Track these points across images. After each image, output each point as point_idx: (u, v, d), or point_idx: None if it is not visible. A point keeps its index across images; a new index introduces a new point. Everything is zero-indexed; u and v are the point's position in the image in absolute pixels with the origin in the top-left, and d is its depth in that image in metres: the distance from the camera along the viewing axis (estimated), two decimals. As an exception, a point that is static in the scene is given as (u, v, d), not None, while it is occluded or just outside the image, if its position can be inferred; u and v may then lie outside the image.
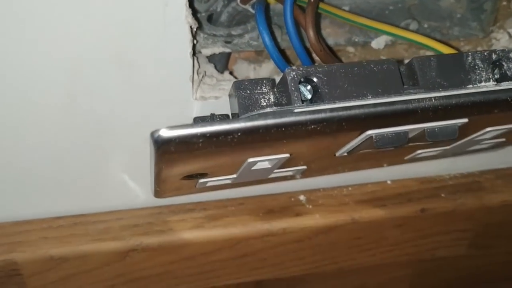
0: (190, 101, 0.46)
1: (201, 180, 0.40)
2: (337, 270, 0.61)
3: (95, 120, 0.45)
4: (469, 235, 0.60)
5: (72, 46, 0.40)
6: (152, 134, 0.30)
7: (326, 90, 0.34)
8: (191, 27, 0.42)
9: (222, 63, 0.53)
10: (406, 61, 0.38)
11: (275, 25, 0.52)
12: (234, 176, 0.41)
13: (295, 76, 0.34)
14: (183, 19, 0.41)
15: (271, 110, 0.34)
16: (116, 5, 0.39)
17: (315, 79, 0.34)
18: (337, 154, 0.40)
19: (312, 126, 0.32)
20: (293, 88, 0.34)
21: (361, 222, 0.54)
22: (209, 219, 0.52)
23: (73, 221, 0.51)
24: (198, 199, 0.52)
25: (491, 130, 0.41)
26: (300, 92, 0.35)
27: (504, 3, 0.54)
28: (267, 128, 0.31)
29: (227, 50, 0.50)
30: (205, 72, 0.48)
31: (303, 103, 0.34)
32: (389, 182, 0.56)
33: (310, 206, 0.54)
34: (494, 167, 0.59)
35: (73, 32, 0.40)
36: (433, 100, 0.34)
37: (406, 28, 0.51)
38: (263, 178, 0.44)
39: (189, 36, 0.42)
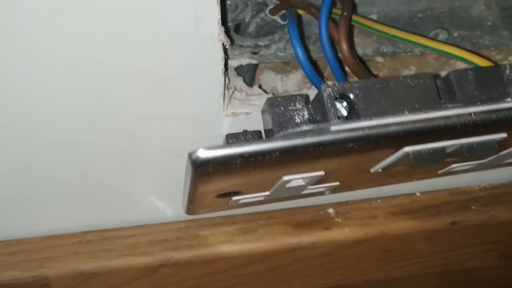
0: (221, 117, 0.46)
1: (234, 198, 0.40)
2: (365, 282, 0.61)
3: (125, 137, 0.46)
4: (500, 246, 0.60)
5: (104, 63, 0.41)
6: (190, 155, 0.30)
7: (363, 107, 0.34)
8: (223, 44, 0.42)
9: (250, 74, 0.53)
10: (443, 74, 0.38)
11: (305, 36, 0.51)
12: (267, 193, 0.41)
13: (331, 92, 0.34)
14: (215, 36, 0.41)
15: (308, 128, 0.34)
16: (148, 24, 0.39)
17: (351, 96, 0.34)
18: (372, 170, 0.39)
19: (350, 145, 0.32)
20: (329, 105, 0.34)
21: (390, 235, 0.54)
22: (239, 233, 0.52)
23: (102, 236, 0.51)
24: (226, 212, 0.52)
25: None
26: (336, 109, 0.34)
27: (536, 11, 0.54)
28: (304, 147, 0.31)
29: (254, 62, 0.50)
30: (235, 87, 0.48)
31: (339, 119, 0.34)
32: (418, 194, 0.56)
33: (339, 220, 0.53)
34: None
35: (105, 50, 0.40)
36: (472, 116, 0.33)
37: (435, 39, 0.50)
38: (295, 194, 0.44)
39: (221, 54, 0.42)
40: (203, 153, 0.30)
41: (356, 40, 0.53)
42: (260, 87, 0.50)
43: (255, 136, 0.42)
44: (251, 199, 0.42)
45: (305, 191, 0.43)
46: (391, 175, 0.44)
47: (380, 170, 0.39)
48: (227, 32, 0.45)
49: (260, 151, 0.31)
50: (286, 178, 0.36)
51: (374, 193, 0.55)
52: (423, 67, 0.53)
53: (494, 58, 0.55)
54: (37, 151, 0.45)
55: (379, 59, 0.54)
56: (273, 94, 0.49)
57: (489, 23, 0.56)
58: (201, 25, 0.40)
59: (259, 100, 0.48)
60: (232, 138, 0.42)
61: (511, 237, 0.59)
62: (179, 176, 0.47)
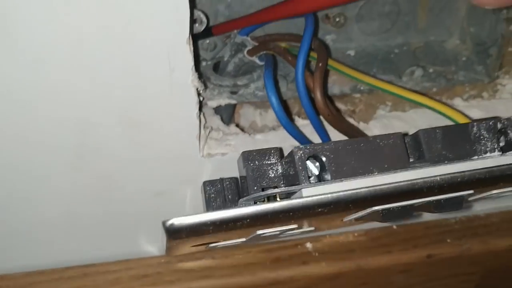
0: (198, 158, 0.47)
1: (212, 245, 0.41)
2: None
3: (105, 177, 0.46)
4: (476, 278, 0.61)
5: (81, 109, 0.42)
6: (164, 223, 0.31)
7: (333, 167, 0.35)
8: (197, 89, 0.43)
9: (228, 112, 0.54)
10: (411, 132, 0.39)
11: (280, 75, 0.52)
12: (244, 239, 0.42)
13: (302, 155, 0.35)
14: (189, 83, 0.42)
15: (279, 190, 0.35)
16: (123, 71, 0.40)
17: (322, 158, 0.35)
18: (344, 220, 0.40)
19: (319, 209, 0.33)
20: (300, 167, 0.35)
21: (367, 268, 0.55)
22: (217, 268, 0.53)
23: (83, 272, 0.52)
24: (206, 249, 0.53)
25: (497, 192, 0.41)
26: (308, 168, 0.35)
27: (510, 49, 0.55)
28: (275, 213, 0.32)
29: (233, 102, 0.51)
30: (211, 126, 0.48)
31: (310, 178, 0.35)
32: (394, 227, 0.57)
33: (317, 254, 0.55)
34: (500, 210, 0.60)
35: (80, 96, 0.41)
36: (438, 178, 0.34)
37: (407, 88, 0.51)
38: (272, 239, 0.45)
39: (195, 98, 0.43)
40: (177, 221, 0.31)
41: (334, 77, 0.54)
42: (237, 125, 0.51)
43: (232, 183, 0.43)
44: (228, 245, 0.43)
45: (282, 237, 0.44)
46: (364, 221, 0.45)
47: (353, 220, 0.41)
48: (205, 71, 0.46)
49: (230, 218, 0.32)
50: (259, 232, 0.37)
51: (352, 227, 0.56)
52: (399, 103, 0.55)
53: (468, 94, 0.56)
54: (19, 191, 0.46)
55: (356, 95, 0.55)
56: (249, 134, 0.49)
57: (464, 58, 0.58)
58: (175, 72, 0.41)
59: (236, 139, 0.49)
60: (209, 186, 0.43)
61: (487, 268, 0.60)
62: (159, 214, 0.48)
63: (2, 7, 0.34)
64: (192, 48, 0.40)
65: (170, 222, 0.31)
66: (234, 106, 0.54)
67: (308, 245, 0.55)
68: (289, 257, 0.54)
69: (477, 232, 0.58)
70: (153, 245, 0.53)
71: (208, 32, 0.51)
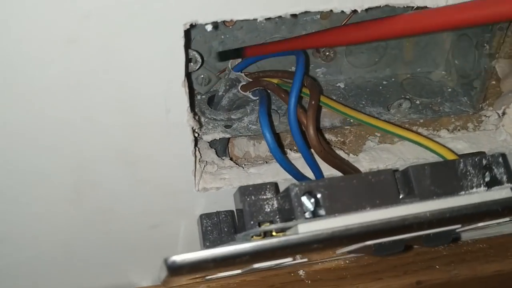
0: (193, 193, 0.48)
1: (208, 277, 0.42)
2: None
3: (101, 211, 0.48)
4: (465, 302, 0.63)
5: (79, 148, 0.43)
6: (166, 260, 0.32)
7: (327, 204, 0.37)
8: (192, 128, 0.44)
9: (223, 144, 0.55)
10: (401, 168, 0.40)
11: (273, 110, 0.54)
12: (239, 271, 0.43)
13: (298, 191, 0.36)
14: (184, 122, 0.43)
15: (275, 226, 0.36)
16: (122, 112, 0.41)
17: (317, 195, 0.36)
18: (338, 252, 0.42)
19: (314, 244, 0.34)
20: (296, 204, 0.36)
21: (358, 295, 0.56)
22: (212, 296, 0.54)
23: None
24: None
25: (483, 225, 0.43)
26: (303, 204, 0.37)
27: (493, 82, 0.57)
28: (273, 249, 0.34)
29: (227, 136, 0.52)
30: (206, 161, 0.50)
31: (305, 213, 0.37)
32: (385, 253, 0.58)
33: (309, 281, 0.56)
34: (487, 236, 0.61)
35: (79, 135, 0.42)
36: (427, 215, 0.36)
37: (395, 123, 0.53)
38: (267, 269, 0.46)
39: (191, 137, 0.44)
40: (178, 258, 0.32)
41: (324, 110, 0.55)
42: (231, 159, 0.53)
43: (228, 216, 0.44)
44: (225, 276, 0.44)
45: (276, 267, 0.45)
46: (356, 253, 0.46)
47: (346, 252, 0.42)
48: (199, 105, 0.47)
49: (230, 255, 0.33)
50: (256, 265, 0.39)
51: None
52: (387, 134, 0.56)
53: (454, 125, 0.58)
54: (19, 226, 0.47)
55: (347, 127, 0.57)
56: (243, 167, 0.51)
57: (449, 89, 0.59)
58: (171, 113, 0.42)
59: (230, 173, 0.50)
60: (206, 219, 0.44)
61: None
62: (154, 246, 0.50)
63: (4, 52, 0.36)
64: (187, 90, 0.41)
65: (172, 259, 0.32)
66: (229, 138, 0.56)
67: (301, 272, 0.56)
68: (283, 285, 0.55)
69: (465, 258, 0.59)
70: (147, 275, 0.54)
71: (239, 53, 0.53)
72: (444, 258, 0.59)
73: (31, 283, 0.52)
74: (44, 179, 0.44)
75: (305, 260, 0.44)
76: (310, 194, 0.37)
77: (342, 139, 0.57)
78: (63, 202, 0.46)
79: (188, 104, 0.42)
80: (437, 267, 0.58)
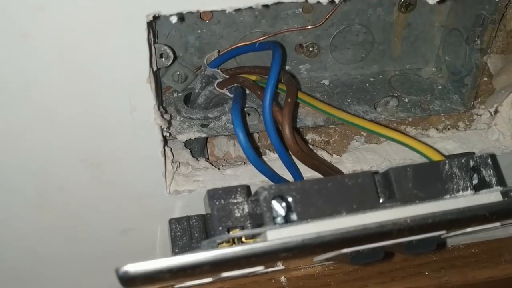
0: (164, 195, 0.45)
1: (178, 286, 0.39)
2: None
3: (68, 216, 0.45)
4: (455, 309, 0.60)
5: (41, 148, 0.40)
6: (117, 270, 0.29)
7: (300, 209, 0.34)
8: (161, 127, 0.41)
9: (199, 144, 0.52)
10: (384, 165, 0.37)
11: (252, 108, 0.51)
12: (210, 280, 0.40)
13: (267, 195, 0.33)
14: (152, 121, 0.40)
15: (242, 233, 0.34)
16: (83, 110, 0.39)
17: (289, 198, 0.34)
18: (314, 260, 0.39)
19: (284, 253, 0.31)
20: (265, 208, 0.33)
21: (343, 303, 0.53)
22: (187, 306, 0.51)
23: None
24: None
25: (471, 230, 0.40)
26: (273, 209, 0.34)
27: (486, 79, 0.54)
28: (236, 259, 0.31)
29: (203, 135, 0.49)
30: (179, 162, 0.47)
31: (276, 219, 0.34)
32: (371, 259, 0.56)
33: (291, 289, 0.53)
34: (479, 240, 0.58)
35: (42, 135, 0.39)
36: (408, 221, 0.33)
37: (378, 123, 0.50)
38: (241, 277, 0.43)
39: (159, 136, 0.42)
40: (131, 268, 0.30)
41: (307, 108, 0.52)
42: (207, 160, 0.50)
43: (199, 221, 0.41)
44: (195, 285, 0.41)
45: (251, 275, 0.42)
46: (335, 262, 0.43)
47: (323, 260, 0.39)
48: (175, 103, 0.45)
49: (189, 265, 0.30)
50: (225, 274, 0.36)
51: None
52: (372, 133, 0.53)
53: (444, 124, 0.55)
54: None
55: (331, 126, 0.54)
56: (219, 169, 0.48)
57: (439, 87, 0.57)
58: (136, 112, 0.40)
59: (204, 175, 0.47)
60: (175, 224, 0.41)
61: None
62: (124, 251, 0.47)
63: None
64: (153, 87, 0.39)
65: (123, 269, 0.29)
66: (205, 140, 0.53)
67: (282, 278, 0.53)
68: (263, 294, 0.52)
69: (455, 264, 0.57)
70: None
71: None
72: (433, 264, 0.56)
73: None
74: (5, 183, 0.42)
75: (282, 268, 0.41)
76: (282, 198, 0.34)
77: (326, 139, 0.54)
78: (26, 207, 0.44)
79: (155, 102, 0.40)
80: (426, 273, 0.56)
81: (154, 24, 0.43)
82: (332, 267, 0.55)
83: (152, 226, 0.48)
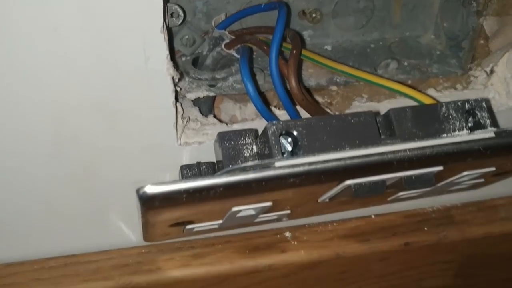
0: (175, 146, 0.47)
1: (188, 227, 0.41)
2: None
3: (83, 166, 0.47)
4: (454, 266, 0.62)
5: (57, 96, 0.42)
6: (138, 190, 0.32)
7: (306, 143, 0.36)
8: (173, 77, 0.43)
9: (207, 105, 0.54)
10: (383, 112, 0.39)
11: (258, 68, 0.53)
12: (220, 221, 0.42)
13: (275, 130, 0.36)
14: (164, 71, 0.42)
15: (252, 163, 0.36)
16: (100, 60, 0.40)
17: (295, 133, 0.36)
18: (319, 200, 0.41)
19: (292, 180, 0.34)
20: (273, 142, 0.35)
21: (345, 257, 0.55)
22: (197, 257, 0.53)
23: (64, 262, 0.52)
24: (186, 237, 0.53)
25: (468, 174, 0.42)
26: (281, 144, 0.36)
27: (482, 41, 0.56)
28: (247, 182, 0.33)
29: (211, 94, 0.51)
30: (189, 117, 0.49)
31: (283, 154, 0.36)
32: (373, 216, 0.58)
33: (295, 243, 0.55)
34: (476, 199, 0.60)
35: (58, 83, 0.41)
36: (408, 152, 0.35)
37: (381, 76, 0.52)
38: (248, 222, 0.45)
39: (171, 87, 0.44)
40: (150, 189, 0.32)
41: (311, 70, 0.54)
42: (215, 116, 0.52)
43: (209, 167, 0.44)
44: (205, 227, 0.43)
45: (258, 219, 0.45)
46: (339, 203, 0.45)
47: (327, 200, 0.41)
48: (184, 66, 0.47)
49: (204, 186, 0.32)
50: (235, 208, 0.38)
51: (330, 217, 0.57)
52: (375, 95, 0.55)
53: (442, 86, 0.57)
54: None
55: (333, 87, 0.56)
56: (227, 124, 0.50)
57: (438, 52, 0.59)
58: (150, 61, 0.41)
59: (213, 129, 0.49)
60: (186, 169, 0.43)
61: (465, 256, 0.61)
62: (135, 202, 0.49)
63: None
64: (166, 38, 0.41)
65: (144, 189, 0.31)
66: (214, 99, 0.55)
67: (287, 234, 0.55)
68: (268, 246, 0.54)
69: (453, 221, 0.59)
70: (135, 235, 0.53)
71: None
72: (433, 220, 0.58)
73: (12, 244, 0.51)
74: (21, 130, 0.43)
75: (288, 212, 0.43)
76: (288, 134, 0.36)
77: (329, 100, 0.56)
78: (43, 155, 0.45)
79: (167, 52, 0.42)
80: (425, 229, 0.58)
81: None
82: (335, 224, 0.57)
83: (161, 178, 0.49)
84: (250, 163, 0.35)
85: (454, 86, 0.56)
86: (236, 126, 0.50)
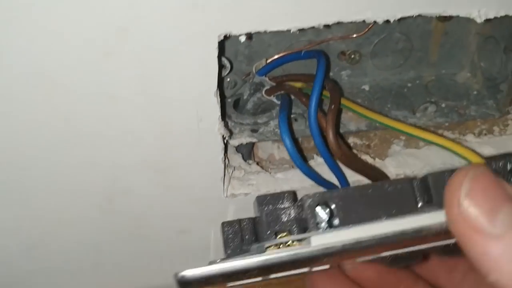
0: (222, 199, 0.46)
1: (230, 284, 0.40)
2: None
3: (133, 218, 0.46)
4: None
5: (113, 158, 0.41)
6: (176, 275, 0.30)
7: (342, 215, 0.34)
8: (223, 136, 0.42)
9: (248, 148, 0.53)
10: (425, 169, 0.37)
11: (299, 114, 0.51)
12: (260, 279, 0.40)
13: (311, 203, 0.34)
14: (215, 131, 0.41)
15: (289, 239, 0.34)
16: (155, 122, 0.40)
17: (332, 205, 0.34)
18: (358, 260, 0.39)
19: (325, 258, 0.32)
20: (309, 215, 0.33)
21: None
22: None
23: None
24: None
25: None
26: (317, 215, 0.34)
27: (520, 85, 0.52)
28: (282, 263, 0.31)
29: (254, 140, 0.49)
30: (234, 167, 0.48)
31: (319, 224, 0.34)
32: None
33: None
34: None
35: (112, 144, 0.40)
36: (444, 226, 0.33)
37: (419, 127, 0.49)
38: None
39: (221, 145, 0.43)
40: (188, 273, 0.30)
41: (350, 114, 0.52)
42: (257, 163, 0.50)
43: (249, 223, 0.42)
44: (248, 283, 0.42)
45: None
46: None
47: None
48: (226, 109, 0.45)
49: (240, 269, 0.31)
50: (272, 276, 0.36)
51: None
52: (412, 138, 0.52)
53: (480, 128, 0.54)
54: (50, 233, 0.46)
55: (372, 130, 0.53)
56: (270, 172, 0.48)
57: (475, 92, 0.55)
58: (203, 122, 0.40)
59: (257, 179, 0.48)
60: (228, 226, 0.42)
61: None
62: (182, 249, 0.48)
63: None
64: (219, 99, 0.40)
65: (181, 274, 0.30)
66: (253, 143, 0.53)
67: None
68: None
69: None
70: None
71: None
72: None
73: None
74: (79, 189, 0.43)
75: (327, 267, 0.41)
76: (325, 204, 0.34)
77: (367, 142, 0.54)
78: (94, 209, 0.45)
79: (219, 113, 0.41)
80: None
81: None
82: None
83: (208, 228, 0.49)
84: (285, 239, 0.33)
85: (491, 129, 0.53)
86: (279, 175, 0.48)
